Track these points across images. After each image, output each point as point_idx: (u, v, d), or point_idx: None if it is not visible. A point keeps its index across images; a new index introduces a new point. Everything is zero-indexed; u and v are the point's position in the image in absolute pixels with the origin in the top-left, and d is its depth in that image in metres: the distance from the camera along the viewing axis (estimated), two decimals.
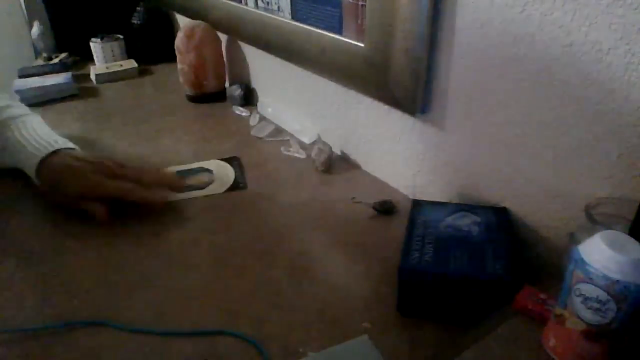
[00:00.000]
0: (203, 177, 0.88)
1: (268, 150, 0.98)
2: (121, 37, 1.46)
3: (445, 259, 0.54)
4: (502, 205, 0.65)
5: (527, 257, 0.63)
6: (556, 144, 0.56)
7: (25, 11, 1.66)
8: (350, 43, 0.78)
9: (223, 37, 1.21)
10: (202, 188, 0.85)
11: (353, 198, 0.80)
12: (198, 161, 0.94)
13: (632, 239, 0.38)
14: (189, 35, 1.14)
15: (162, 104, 1.21)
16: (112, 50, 1.44)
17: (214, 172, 0.90)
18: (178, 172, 0.90)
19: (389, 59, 0.71)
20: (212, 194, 0.83)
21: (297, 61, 0.95)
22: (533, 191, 0.61)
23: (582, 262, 0.38)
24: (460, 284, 0.53)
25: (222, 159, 0.94)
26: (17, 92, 1.20)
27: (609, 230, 0.39)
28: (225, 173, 0.90)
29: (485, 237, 0.57)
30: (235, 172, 0.90)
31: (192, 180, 0.87)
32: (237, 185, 0.86)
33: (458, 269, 0.53)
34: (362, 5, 0.73)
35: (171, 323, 0.57)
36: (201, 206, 0.80)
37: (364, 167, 0.90)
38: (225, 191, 0.84)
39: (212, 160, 0.94)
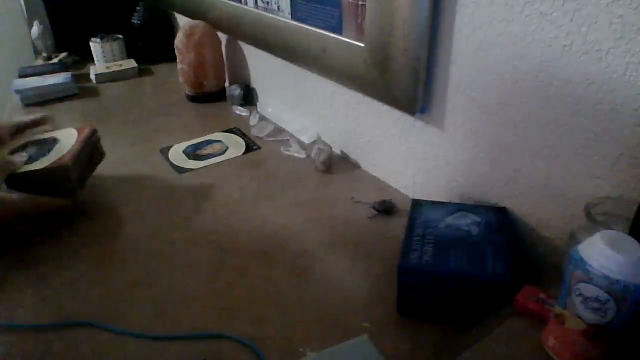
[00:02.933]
0: (217, 146, 0.99)
1: (268, 150, 0.98)
2: (121, 37, 1.46)
3: (445, 259, 0.54)
4: (502, 205, 0.65)
5: (527, 257, 0.63)
6: (556, 144, 0.56)
7: (25, 11, 1.66)
8: (350, 43, 0.78)
9: (223, 37, 1.21)
10: (221, 154, 0.96)
11: (353, 198, 0.80)
12: (202, 136, 1.03)
13: (632, 239, 0.38)
14: (189, 35, 1.14)
15: (162, 104, 1.21)
16: (112, 50, 1.44)
17: (223, 141, 1.00)
18: (188, 147, 0.99)
19: (389, 59, 0.71)
20: (233, 157, 0.95)
21: (297, 61, 0.95)
22: (533, 191, 0.61)
23: (582, 262, 0.38)
24: (460, 284, 0.53)
25: (222, 131, 1.05)
26: (17, 92, 1.20)
27: (609, 230, 0.39)
28: (234, 140, 1.01)
29: (485, 237, 0.57)
30: (243, 138, 1.02)
31: (208, 150, 0.97)
32: (251, 148, 0.98)
33: (458, 269, 0.53)
34: (362, 5, 0.73)
35: (170, 324, 0.57)
36: (230, 168, 0.91)
37: (364, 167, 0.90)
38: (244, 154, 0.96)
39: (216, 134, 1.04)
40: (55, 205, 0.73)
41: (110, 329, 0.56)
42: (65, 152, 0.75)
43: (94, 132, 0.83)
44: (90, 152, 0.82)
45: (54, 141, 0.79)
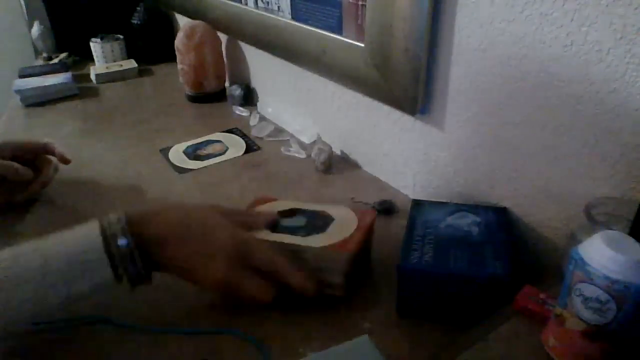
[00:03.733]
0: (217, 146, 0.98)
1: (268, 150, 0.98)
2: (121, 37, 1.46)
3: (445, 259, 0.54)
4: (502, 205, 0.65)
5: (527, 257, 0.63)
6: (556, 144, 0.56)
7: (25, 11, 1.66)
8: (350, 43, 0.78)
9: (223, 37, 1.21)
10: (221, 154, 0.95)
11: (353, 198, 0.80)
12: (202, 136, 1.03)
13: (632, 239, 0.38)
14: (189, 35, 1.14)
15: (162, 104, 1.21)
16: (112, 50, 1.44)
17: (223, 141, 1.00)
18: (188, 147, 0.98)
19: (389, 59, 0.71)
20: (233, 157, 0.95)
21: (297, 61, 0.95)
22: (533, 191, 0.61)
23: (582, 262, 0.38)
24: (460, 284, 0.53)
25: (222, 131, 1.05)
26: (17, 92, 1.20)
27: (609, 230, 0.39)
28: (235, 140, 1.01)
29: (485, 237, 0.57)
30: (244, 138, 1.01)
31: (208, 150, 0.96)
32: (251, 148, 0.98)
33: (458, 269, 0.53)
34: (362, 5, 0.73)
35: (171, 322, 0.57)
36: (230, 168, 0.91)
37: (364, 167, 0.90)
38: (244, 154, 0.96)
39: (216, 133, 1.04)
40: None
41: (116, 321, 0.57)
42: (345, 235, 0.59)
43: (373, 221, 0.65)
44: (366, 245, 0.64)
45: (329, 217, 0.64)
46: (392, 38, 0.69)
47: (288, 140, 1.00)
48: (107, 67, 1.39)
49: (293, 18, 0.91)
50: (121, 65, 1.41)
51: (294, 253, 0.57)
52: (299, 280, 0.55)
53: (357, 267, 0.61)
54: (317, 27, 0.85)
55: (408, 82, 0.69)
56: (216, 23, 1.18)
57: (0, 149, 0.78)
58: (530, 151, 0.59)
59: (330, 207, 0.66)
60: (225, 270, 0.53)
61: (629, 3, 0.46)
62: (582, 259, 0.38)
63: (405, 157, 0.79)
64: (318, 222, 0.63)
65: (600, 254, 0.37)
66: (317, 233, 0.60)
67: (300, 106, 1.03)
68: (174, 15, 1.50)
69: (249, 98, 1.19)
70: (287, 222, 0.63)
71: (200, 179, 0.88)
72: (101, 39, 1.43)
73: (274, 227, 0.62)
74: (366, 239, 0.62)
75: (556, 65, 0.53)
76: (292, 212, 0.66)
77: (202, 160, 0.94)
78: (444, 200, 0.68)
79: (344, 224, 0.62)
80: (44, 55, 1.51)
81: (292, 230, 0.61)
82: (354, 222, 0.62)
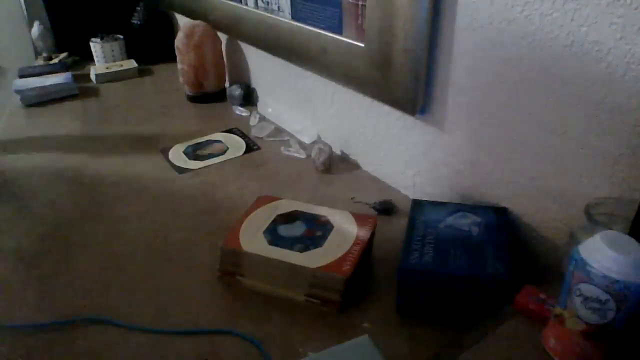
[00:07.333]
0: (217, 146, 0.98)
1: (268, 150, 0.98)
2: (121, 37, 1.46)
3: (445, 259, 0.54)
4: (502, 205, 0.65)
5: (527, 257, 0.63)
6: (556, 144, 0.56)
7: (25, 11, 1.66)
8: (350, 43, 0.78)
9: (223, 37, 1.21)
10: (221, 154, 0.95)
11: (353, 198, 0.80)
12: (202, 136, 1.03)
13: (632, 239, 0.38)
14: (189, 35, 1.14)
15: (162, 104, 1.21)
16: (112, 50, 1.44)
17: (223, 141, 1.00)
18: (188, 147, 0.99)
19: (389, 59, 0.71)
20: (233, 157, 0.95)
21: (297, 61, 0.95)
22: (533, 191, 0.61)
23: (582, 262, 0.38)
24: (460, 283, 0.53)
25: (222, 131, 1.06)
26: (17, 92, 1.20)
27: (609, 230, 0.39)
28: (235, 140, 1.01)
29: (485, 237, 0.57)
30: (244, 138, 1.02)
31: (208, 150, 0.97)
32: (251, 148, 0.98)
33: (458, 269, 0.53)
34: (362, 5, 0.73)
35: (171, 322, 0.57)
36: (230, 168, 0.92)
37: (364, 167, 0.90)
38: (244, 154, 0.96)
39: (216, 133, 1.05)
40: None
41: (116, 322, 0.57)
42: (343, 251, 0.59)
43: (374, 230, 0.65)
44: (365, 256, 0.63)
45: (328, 224, 0.64)
46: (392, 38, 0.69)
47: (288, 140, 1.00)
48: (107, 67, 1.39)
49: (293, 18, 0.91)
50: (121, 65, 1.41)
51: (291, 269, 0.58)
52: None
53: (357, 278, 0.61)
54: (317, 27, 0.85)
55: (408, 82, 0.69)
56: (216, 23, 1.18)
57: None
58: (530, 151, 0.59)
59: (331, 211, 0.67)
60: None
61: (629, 3, 0.46)
62: (582, 259, 0.38)
63: (405, 157, 0.79)
64: (317, 230, 0.63)
65: (600, 254, 0.37)
66: (315, 247, 0.60)
67: (300, 106, 1.03)
68: (174, 15, 1.50)
69: (249, 98, 1.19)
70: (285, 230, 0.63)
71: (200, 179, 0.88)
72: (101, 39, 1.43)
73: (273, 234, 0.62)
74: (365, 251, 0.62)
75: (556, 65, 0.53)
76: (292, 215, 0.66)
77: (202, 160, 0.94)
78: (444, 200, 0.68)
79: (343, 234, 0.62)
80: (44, 55, 1.51)
81: (290, 243, 0.61)
82: (353, 231, 0.63)
